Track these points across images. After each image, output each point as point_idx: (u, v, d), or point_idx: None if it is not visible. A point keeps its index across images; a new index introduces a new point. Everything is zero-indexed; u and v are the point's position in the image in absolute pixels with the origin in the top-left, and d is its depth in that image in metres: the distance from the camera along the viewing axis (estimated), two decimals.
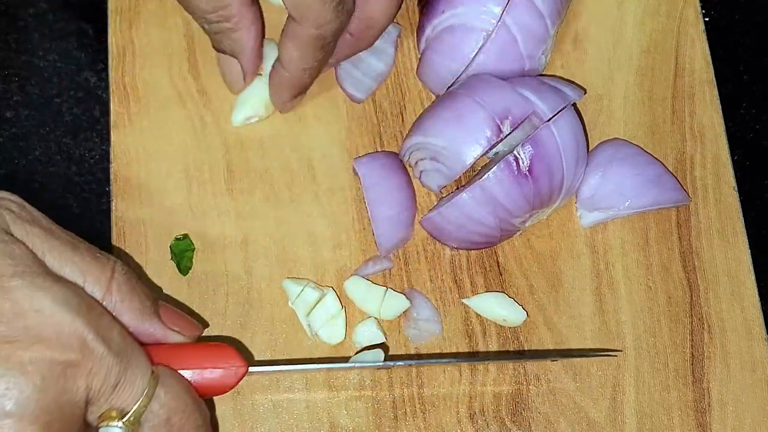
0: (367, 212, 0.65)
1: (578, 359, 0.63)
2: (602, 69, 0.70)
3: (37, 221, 0.51)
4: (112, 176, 0.65)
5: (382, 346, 0.63)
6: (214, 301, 0.63)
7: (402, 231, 0.64)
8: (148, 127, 0.66)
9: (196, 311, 0.63)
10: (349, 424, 0.62)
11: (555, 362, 0.63)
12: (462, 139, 0.62)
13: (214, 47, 0.65)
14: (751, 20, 0.74)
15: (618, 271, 0.66)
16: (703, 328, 0.65)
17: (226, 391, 0.55)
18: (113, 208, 0.65)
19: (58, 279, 0.50)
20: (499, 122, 0.62)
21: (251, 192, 0.66)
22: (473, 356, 0.63)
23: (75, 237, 0.52)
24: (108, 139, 0.66)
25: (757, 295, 0.66)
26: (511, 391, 0.63)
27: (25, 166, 0.68)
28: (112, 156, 0.66)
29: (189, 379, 0.53)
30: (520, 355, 0.63)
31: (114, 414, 0.49)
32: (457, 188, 0.65)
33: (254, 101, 0.66)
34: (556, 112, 0.62)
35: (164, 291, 0.63)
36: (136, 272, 0.57)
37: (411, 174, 0.66)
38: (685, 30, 0.71)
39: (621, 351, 0.64)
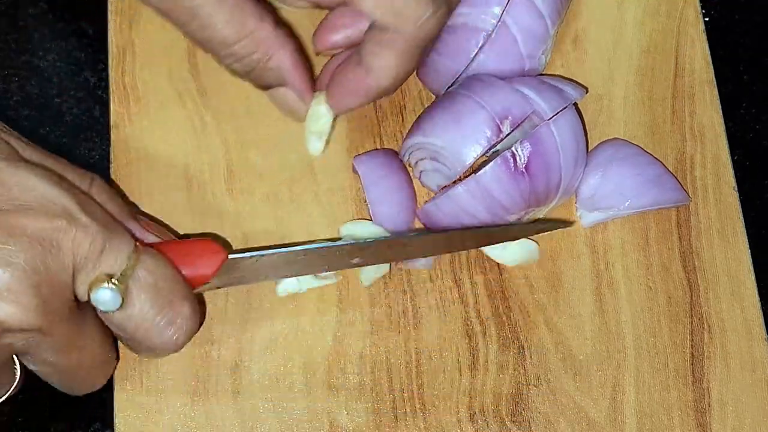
0: (368, 211, 0.65)
1: (580, 359, 0.64)
2: (602, 69, 0.70)
3: (19, 137, 0.55)
4: (112, 176, 0.65)
5: None
6: (214, 301, 0.63)
7: (402, 229, 0.64)
8: (148, 127, 0.66)
9: None
10: (349, 424, 0.62)
11: (556, 359, 0.63)
12: (461, 139, 0.62)
13: (258, 87, 0.61)
14: (751, 20, 0.74)
15: (618, 271, 0.66)
16: (703, 328, 0.65)
17: (208, 280, 0.57)
18: None
19: (42, 165, 0.53)
20: (498, 122, 0.62)
21: (251, 192, 0.66)
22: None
23: (62, 159, 0.56)
24: (108, 139, 0.66)
25: (757, 295, 0.66)
26: (511, 391, 0.63)
27: None
28: (112, 156, 0.66)
29: None
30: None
31: (103, 277, 0.52)
32: (454, 182, 0.65)
33: (323, 117, 0.62)
34: (556, 112, 0.62)
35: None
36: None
37: (411, 173, 0.66)
38: (685, 30, 0.71)
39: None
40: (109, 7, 0.69)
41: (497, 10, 0.64)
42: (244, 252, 0.58)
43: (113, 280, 0.52)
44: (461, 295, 0.65)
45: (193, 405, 0.61)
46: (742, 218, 0.67)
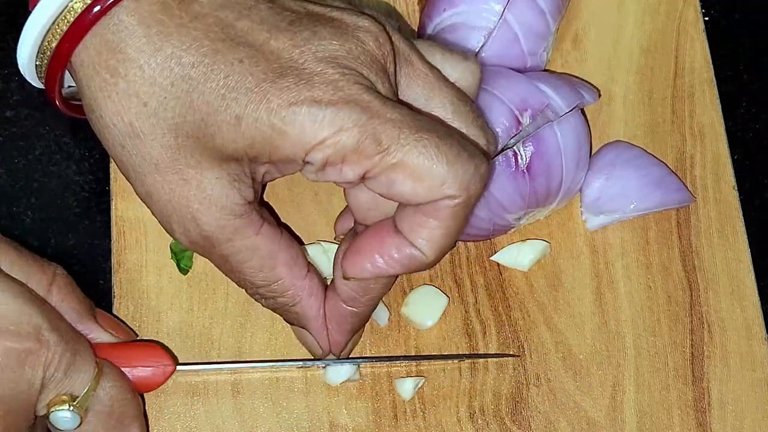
0: None
1: (580, 359, 0.64)
2: (602, 69, 0.70)
3: None
4: (112, 176, 0.65)
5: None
6: (214, 301, 0.63)
7: None
8: None
9: (196, 311, 0.63)
10: (349, 424, 0.62)
11: (556, 359, 0.63)
12: None
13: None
14: (751, 20, 0.74)
15: (618, 271, 0.66)
16: (702, 327, 0.65)
17: (155, 388, 0.59)
18: (113, 207, 0.65)
19: (10, 277, 0.54)
20: (518, 114, 0.61)
21: None
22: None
23: (17, 244, 0.56)
24: None
25: (757, 295, 0.66)
26: (511, 391, 0.63)
27: (25, 165, 0.68)
28: None
29: None
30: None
31: (64, 398, 0.53)
32: None
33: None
34: (569, 109, 0.62)
35: (165, 291, 0.63)
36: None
37: None
38: (685, 30, 0.71)
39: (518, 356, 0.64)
40: None
41: (498, 7, 0.64)
42: (190, 365, 0.61)
43: (74, 402, 0.53)
44: (461, 295, 0.64)
45: (193, 405, 0.61)
46: (742, 218, 0.67)
